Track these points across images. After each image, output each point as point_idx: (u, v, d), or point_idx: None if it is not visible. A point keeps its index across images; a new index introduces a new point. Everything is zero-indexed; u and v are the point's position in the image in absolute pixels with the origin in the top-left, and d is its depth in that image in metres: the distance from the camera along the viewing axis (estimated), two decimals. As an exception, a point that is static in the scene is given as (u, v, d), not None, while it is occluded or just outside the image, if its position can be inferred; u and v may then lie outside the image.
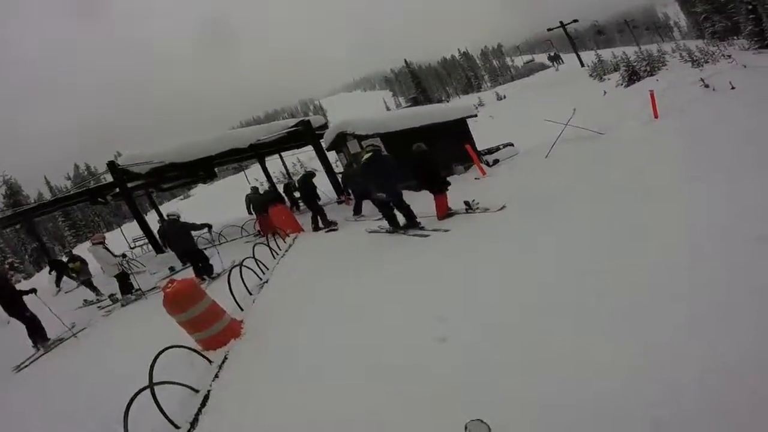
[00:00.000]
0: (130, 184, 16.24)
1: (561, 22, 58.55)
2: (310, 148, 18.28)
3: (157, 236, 15.49)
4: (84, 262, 12.57)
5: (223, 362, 4.72)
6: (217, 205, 32.40)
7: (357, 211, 12.11)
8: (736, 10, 36.90)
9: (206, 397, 4.13)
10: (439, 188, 8.52)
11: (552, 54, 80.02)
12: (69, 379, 6.32)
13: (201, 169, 17.77)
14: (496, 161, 14.69)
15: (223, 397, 4.11)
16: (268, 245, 9.71)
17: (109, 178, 16.39)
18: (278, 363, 4.50)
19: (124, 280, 10.48)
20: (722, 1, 42.13)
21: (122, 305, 10.02)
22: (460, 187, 11.16)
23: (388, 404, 3.19)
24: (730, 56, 23.90)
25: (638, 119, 13.31)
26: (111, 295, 10.71)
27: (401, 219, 8.57)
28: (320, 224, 12.20)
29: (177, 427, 3.76)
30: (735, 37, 39.26)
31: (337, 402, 3.47)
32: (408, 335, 4.14)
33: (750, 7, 32.78)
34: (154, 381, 3.82)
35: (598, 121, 13.54)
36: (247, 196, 17.05)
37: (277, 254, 9.85)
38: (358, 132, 13.71)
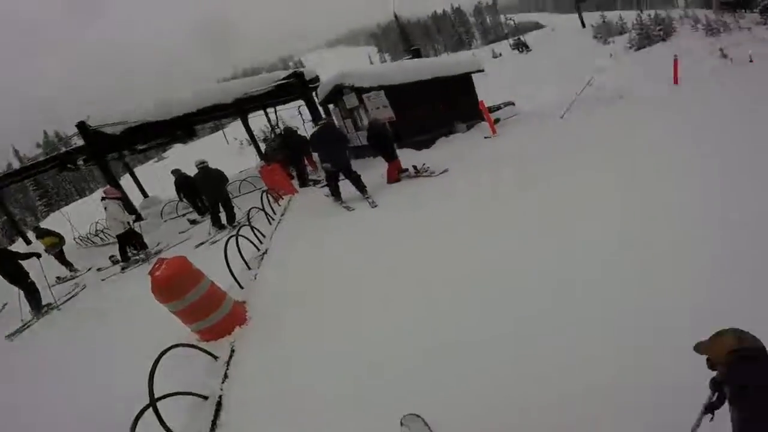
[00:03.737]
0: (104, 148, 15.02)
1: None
2: (297, 103, 17.23)
3: (175, 188, 14.11)
4: (60, 237, 11.49)
5: (231, 357, 3.90)
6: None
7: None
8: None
9: (219, 405, 3.35)
10: (393, 157, 9.39)
11: (514, 41, 64.76)
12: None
13: (180, 128, 16.51)
14: (497, 120, 13.87)
15: (238, 402, 3.35)
16: (263, 209, 8.77)
17: (81, 142, 15.12)
18: (293, 354, 3.75)
19: (126, 242, 9.96)
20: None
21: (122, 269, 9.83)
22: (470, 146, 10.63)
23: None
24: (749, 28, 23.29)
25: (656, 84, 12.73)
26: (111, 257, 10.67)
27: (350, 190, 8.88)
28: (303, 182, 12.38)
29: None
30: (745, 10, 38.52)
31: (365, 390, 2.97)
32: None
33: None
34: (153, 387, 2.99)
35: (610, 83, 12.86)
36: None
37: (273, 219, 8.88)
38: (358, 84, 12.69)
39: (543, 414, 2.33)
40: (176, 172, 13.51)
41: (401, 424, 2.41)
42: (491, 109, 14.73)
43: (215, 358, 3.88)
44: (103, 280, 9.67)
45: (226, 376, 3.62)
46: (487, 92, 16.49)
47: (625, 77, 15.68)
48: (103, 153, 15.25)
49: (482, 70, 16.15)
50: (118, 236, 9.79)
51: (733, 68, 13.24)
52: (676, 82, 12.24)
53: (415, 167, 9.44)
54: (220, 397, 3.39)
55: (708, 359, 1.01)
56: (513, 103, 16.83)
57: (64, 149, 18.03)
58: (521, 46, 60.24)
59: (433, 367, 2.97)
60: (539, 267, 3.88)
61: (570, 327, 2.89)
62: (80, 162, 17.33)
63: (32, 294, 8.63)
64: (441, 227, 5.93)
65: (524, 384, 2.54)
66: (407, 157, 10.97)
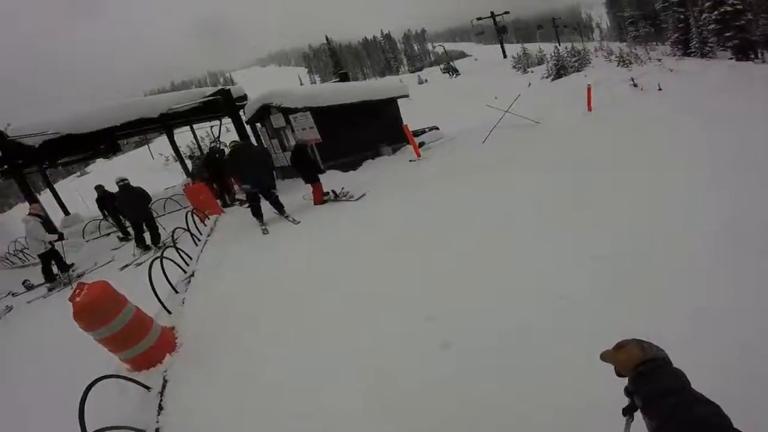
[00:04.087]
0: (20, 161, 13.96)
1: (492, 12, 59.73)
2: (225, 120, 16.91)
3: (97, 204, 13.57)
4: None
5: (164, 387, 3.75)
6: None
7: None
8: (665, 18, 39.32)
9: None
10: (313, 179, 9.45)
11: (445, 66, 66.38)
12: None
13: (103, 142, 15.67)
14: (422, 144, 14.32)
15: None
16: (187, 229, 8.52)
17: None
18: (228, 382, 3.69)
19: (49, 262, 9.44)
20: (652, 8, 44.68)
21: (48, 289, 9.47)
22: (395, 169, 11.02)
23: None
24: (659, 60, 25.24)
25: (571, 111, 13.64)
26: (24, 282, 10.33)
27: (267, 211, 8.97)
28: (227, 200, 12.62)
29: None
30: (656, 43, 41.66)
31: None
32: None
33: (681, 17, 35.19)
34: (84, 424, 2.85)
35: (527, 111, 13.64)
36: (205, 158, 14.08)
37: (199, 240, 8.64)
38: (285, 104, 12.65)
39: None
40: (99, 188, 12.90)
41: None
42: (416, 133, 15.25)
43: (148, 388, 3.72)
44: (29, 302, 9.15)
45: (160, 407, 3.48)
46: (413, 117, 17.00)
47: (543, 105, 16.61)
48: (20, 166, 14.22)
49: (407, 96, 16.67)
50: (39, 256, 9.26)
51: (641, 95, 14.36)
52: (589, 108, 13.18)
53: (334, 191, 9.63)
54: (156, 430, 3.28)
55: (615, 369, 1.05)
56: (437, 128, 17.39)
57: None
58: (451, 71, 62.05)
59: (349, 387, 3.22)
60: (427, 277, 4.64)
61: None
62: (-5, 174, 16.10)
63: None
64: (353, 245, 6.44)
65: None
66: (333, 178, 11.27)
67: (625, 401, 1.06)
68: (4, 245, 16.52)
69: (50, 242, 9.26)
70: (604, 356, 1.08)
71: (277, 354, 3.90)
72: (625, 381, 1.03)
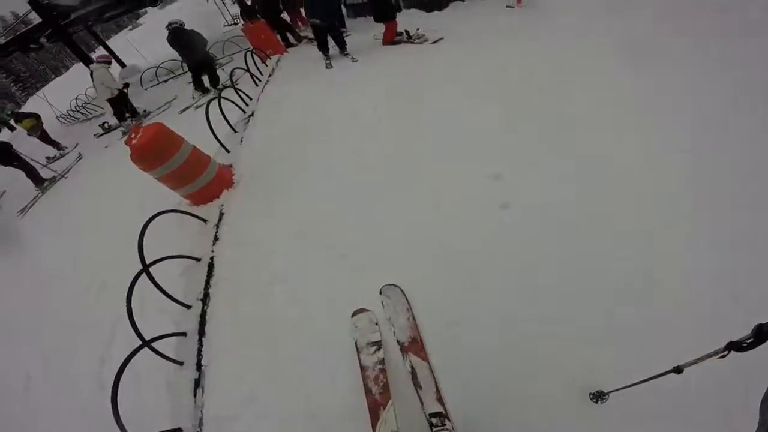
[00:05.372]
0: (64, 21, 13.53)
1: None
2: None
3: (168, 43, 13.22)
4: (37, 118, 11.04)
5: (220, 220, 3.84)
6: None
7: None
8: None
9: (211, 266, 3.37)
10: (389, 17, 8.66)
11: None
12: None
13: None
14: None
15: (229, 263, 3.37)
16: (248, 70, 8.22)
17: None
18: (281, 214, 3.70)
19: (119, 105, 9.69)
20: None
21: (123, 133, 9.60)
22: (486, 15, 9.08)
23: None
24: None
25: None
26: (102, 124, 10.70)
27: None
28: (291, 40, 11.17)
29: (188, 306, 3.09)
30: None
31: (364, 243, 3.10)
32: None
33: None
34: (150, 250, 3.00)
35: None
36: None
37: (259, 81, 8.37)
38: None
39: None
40: (169, 26, 12.46)
41: (380, 293, 2.56)
42: None
43: (204, 221, 3.83)
44: (106, 147, 9.48)
45: (216, 238, 3.59)
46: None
47: None
48: (64, 27, 14.00)
49: None
50: (109, 101, 9.49)
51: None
52: None
53: (407, 31, 8.74)
54: (212, 259, 3.39)
55: None
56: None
57: (24, 28, 16.55)
58: None
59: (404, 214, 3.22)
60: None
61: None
62: (43, 39, 16.07)
63: (29, 171, 8.84)
64: (417, 93, 5.67)
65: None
66: (412, 18, 10.00)
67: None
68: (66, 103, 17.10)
69: (117, 89, 9.41)
70: None
71: (328, 193, 3.83)
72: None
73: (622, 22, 6.01)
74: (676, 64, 4.32)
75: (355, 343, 2.48)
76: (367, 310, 2.63)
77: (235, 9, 18.66)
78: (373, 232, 3.18)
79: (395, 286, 2.58)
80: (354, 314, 2.63)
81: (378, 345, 2.42)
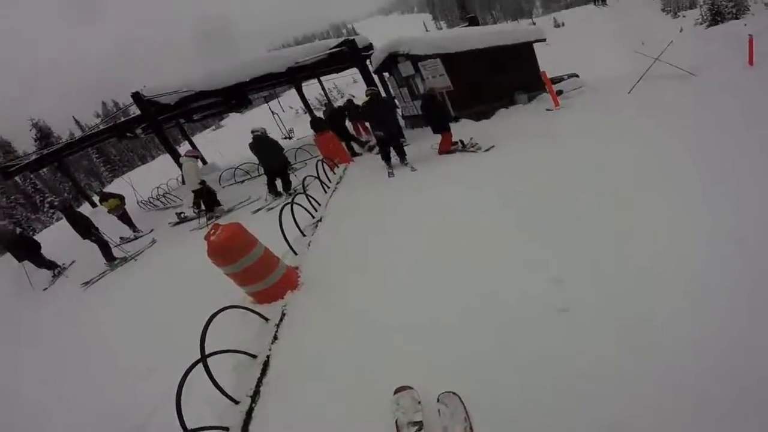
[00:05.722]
0: (160, 117, 15.34)
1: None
2: (351, 71, 16.99)
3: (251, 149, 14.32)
4: (122, 199, 11.96)
5: (281, 320, 4.01)
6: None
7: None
8: None
9: (266, 364, 3.47)
10: (445, 129, 9.27)
11: None
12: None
13: (233, 97, 16.71)
14: (560, 92, 13.05)
15: (285, 363, 3.47)
16: (318, 177, 8.84)
17: (138, 112, 15.41)
18: (343, 318, 3.81)
19: (204, 196, 10.40)
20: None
21: (208, 220, 10.19)
22: (530, 119, 10.20)
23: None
24: None
25: (730, 64, 11.72)
26: (179, 214, 11.54)
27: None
28: (356, 149, 12.62)
29: (236, 402, 3.14)
30: None
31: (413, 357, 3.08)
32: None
33: None
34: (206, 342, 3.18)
35: (679, 60, 11.90)
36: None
37: (328, 187, 8.94)
38: (413, 52, 12.27)
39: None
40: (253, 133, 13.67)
41: (438, 400, 2.51)
42: (554, 81, 13.85)
43: (266, 319, 3.99)
44: (191, 230, 10.04)
45: (275, 337, 3.73)
46: (549, 63, 15.75)
47: (696, 54, 14.51)
48: (159, 122, 15.62)
49: (544, 40, 15.19)
50: (194, 191, 10.23)
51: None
52: (751, 63, 11.23)
53: (462, 141, 9.28)
54: (267, 356, 3.51)
55: None
56: (577, 75, 15.95)
57: (123, 119, 18.59)
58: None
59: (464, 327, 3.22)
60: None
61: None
62: (139, 130, 17.92)
63: (103, 245, 9.49)
64: (473, 198, 6.00)
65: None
66: (465, 128, 10.70)
67: None
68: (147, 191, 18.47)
69: (201, 181, 10.20)
70: None
71: (393, 299, 3.90)
72: None
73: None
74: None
75: (396, 422, 2.44)
76: (410, 388, 2.62)
77: (291, 123, 20.34)
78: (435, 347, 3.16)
79: (454, 393, 2.52)
80: (396, 392, 2.61)
81: (419, 426, 2.38)
